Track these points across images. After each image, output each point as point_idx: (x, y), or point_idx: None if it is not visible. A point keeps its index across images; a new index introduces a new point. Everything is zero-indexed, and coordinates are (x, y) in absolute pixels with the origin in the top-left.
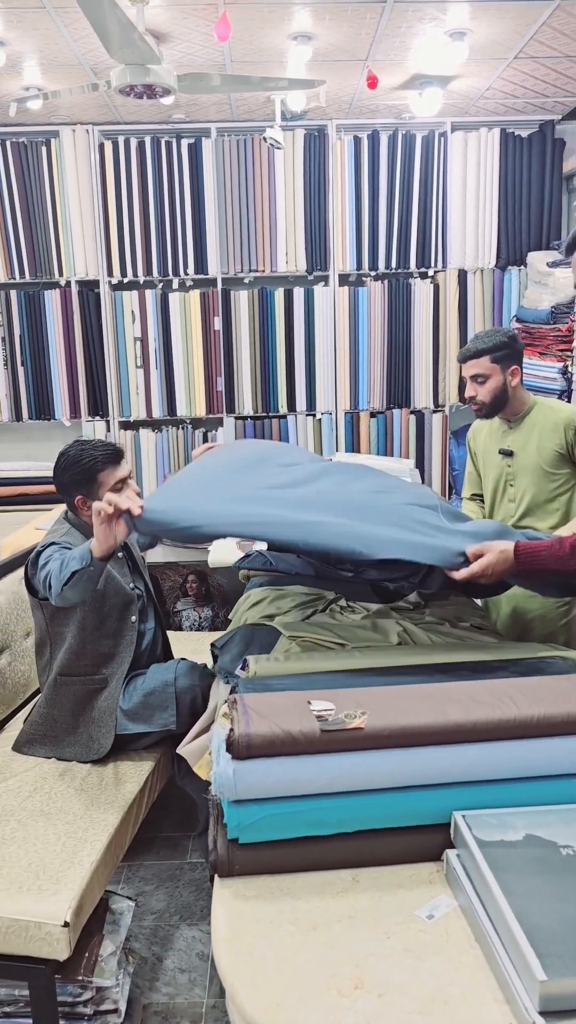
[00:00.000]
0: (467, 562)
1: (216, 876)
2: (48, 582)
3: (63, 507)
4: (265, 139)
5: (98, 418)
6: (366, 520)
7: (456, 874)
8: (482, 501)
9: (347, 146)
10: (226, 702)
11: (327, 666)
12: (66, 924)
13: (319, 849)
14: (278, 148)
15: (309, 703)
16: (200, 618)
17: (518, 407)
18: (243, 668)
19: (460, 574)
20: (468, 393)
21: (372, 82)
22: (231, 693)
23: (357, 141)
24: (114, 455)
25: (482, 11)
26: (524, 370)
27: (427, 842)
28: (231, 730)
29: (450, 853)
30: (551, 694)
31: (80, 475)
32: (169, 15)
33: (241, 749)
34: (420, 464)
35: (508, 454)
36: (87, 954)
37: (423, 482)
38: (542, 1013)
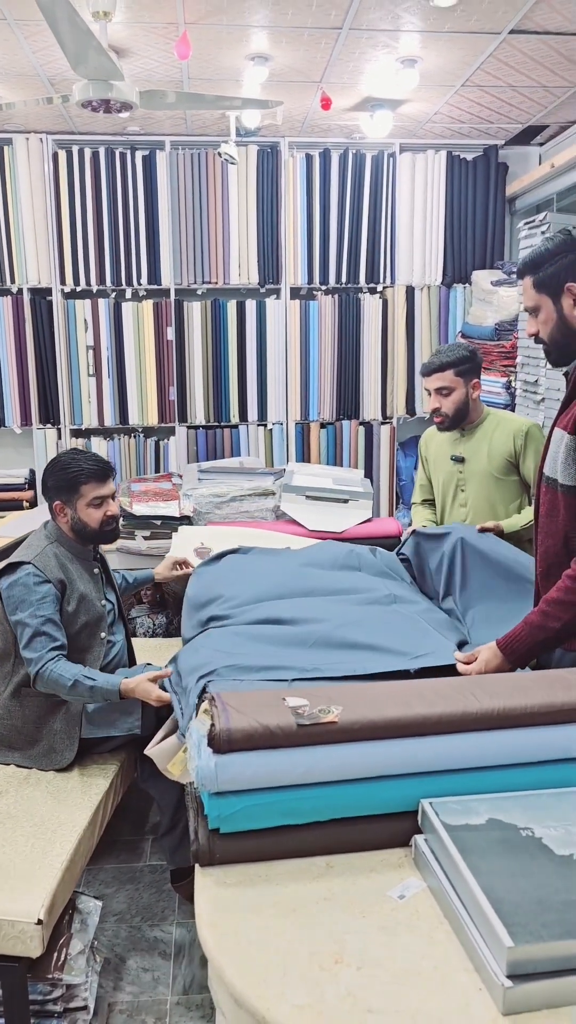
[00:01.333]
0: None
1: (197, 865)
2: (41, 673)
3: (15, 515)
4: (220, 154)
5: (49, 426)
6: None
7: (425, 857)
8: (433, 505)
9: (299, 163)
10: (203, 700)
11: None
12: (39, 922)
13: (295, 837)
14: (232, 163)
15: (284, 699)
16: (155, 625)
17: (473, 416)
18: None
19: (462, 670)
20: (432, 405)
21: (326, 103)
22: (202, 692)
23: (309, 159)
24: (101, 472)
25: (433, 41)
26: None
27: (396, 829)
28: (212, 725)
29: (418, 838)
30: (507, 689)
31: (63, 482)
32: (130, 32)
33: (222, 743)
34: (368, 474)
35: (459, 460)
36: (57, 953)
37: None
38: (509, 976)
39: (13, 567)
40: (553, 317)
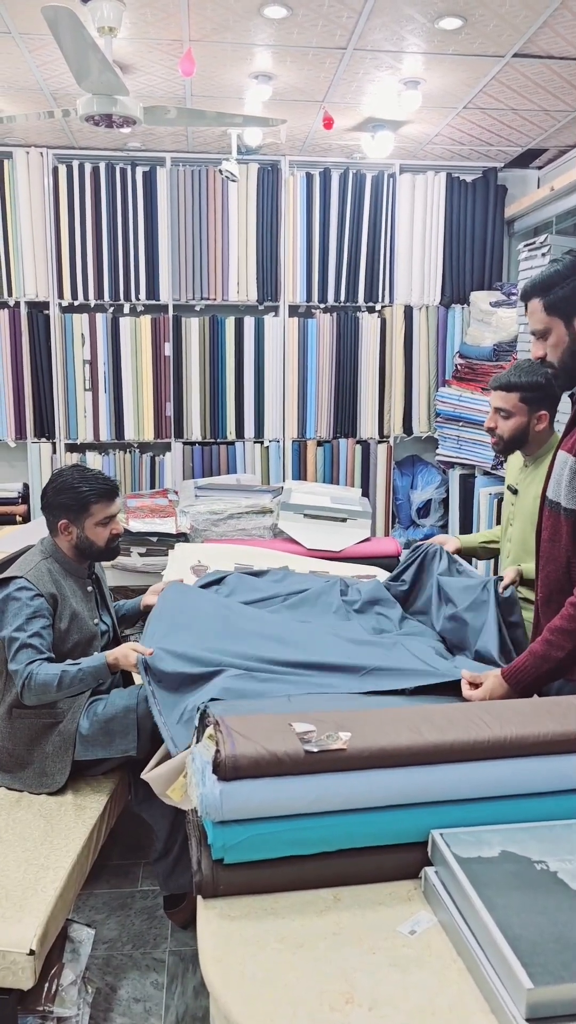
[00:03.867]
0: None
1: (200, 897)
2: (26, 682)
3: (9, 529)
4: (221, 171)
5: (44, 440)
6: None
7: (436, 890)
8: None
9: (299, 182)
10: (207, 724)
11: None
12: (31, 952)
13: (301, 868)
14: (233, 180)
15: (290, 725)
16: None
17: (535, 448)
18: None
19: (467, 694)
20: (488, 424)
21: (328, 123)
22: (201, 714)
23: (309, 178)
24: (110, 492)
25: (436, 63)
26: (466, 404)
27: (404, 860)
28: (217, 751)
29: (428, 870)
30: (519, 716)
31: (73, 502)
32: (134, 47)
33: (228, 770)
34: (365, 493)
35: (514, 492)
36: (48, 984)
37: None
38: (529, 1020)
39: (5, 582)
40: (564, 340)
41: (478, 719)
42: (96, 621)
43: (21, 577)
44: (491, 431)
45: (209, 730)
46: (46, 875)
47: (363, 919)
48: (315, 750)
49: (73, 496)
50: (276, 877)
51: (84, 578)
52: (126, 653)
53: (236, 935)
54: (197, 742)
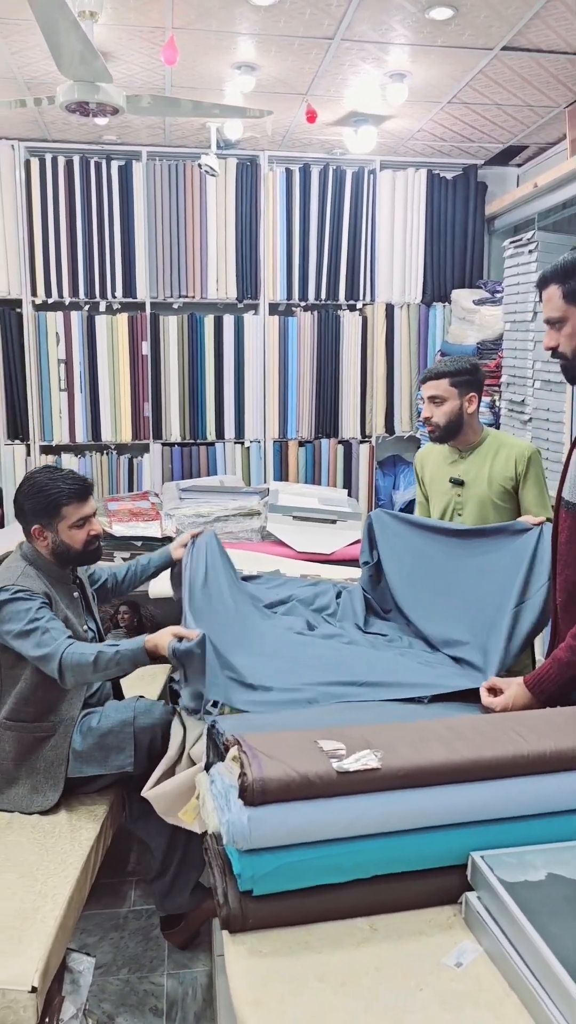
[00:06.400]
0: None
1: (226, 932)
2: (62, 660)
3: None
4: (200, 165)
5: (18, 442)
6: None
7: (479, 917)
8: None
9: (279, 177)
10: (217, 742)
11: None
12: (34, 989)
13: (334, 897)
14: (213, 175)
15: (316, 742)
16: None
17: (471, 437)
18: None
19: (487, 702)
20: (425, 414)
21: (311, 116)
22: (209, 730)
23: (289, 173)
24: (81, 490)
25: (423, 55)
26: None
27: (441, 885)
28: (243, 774)
29: (470, 896)
30: (552, 728)
31: (43, 505)
32: (115, 35)
33: (256, 795)
34: (347, 494)
35: (459, 483)
36: (48, 1019)
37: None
38: None
39: None
40: None
41: (512, 732)
42: (84, 628)
43: (12, 585)
44: (427, 420)
45: (233, 751)
46: (44, 903)
47: (404, 951)
48: (350, 769)
49: (42, 500)
50: (308, 907)
51: (69, 583)
52: (167, 640)
53: (271, 973)
54: (209, 761)
